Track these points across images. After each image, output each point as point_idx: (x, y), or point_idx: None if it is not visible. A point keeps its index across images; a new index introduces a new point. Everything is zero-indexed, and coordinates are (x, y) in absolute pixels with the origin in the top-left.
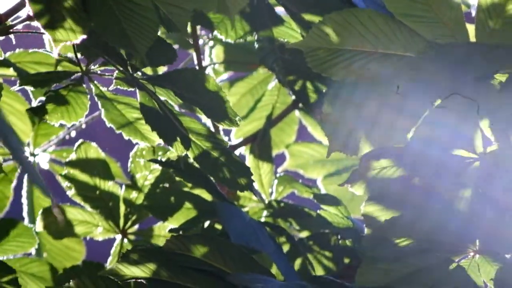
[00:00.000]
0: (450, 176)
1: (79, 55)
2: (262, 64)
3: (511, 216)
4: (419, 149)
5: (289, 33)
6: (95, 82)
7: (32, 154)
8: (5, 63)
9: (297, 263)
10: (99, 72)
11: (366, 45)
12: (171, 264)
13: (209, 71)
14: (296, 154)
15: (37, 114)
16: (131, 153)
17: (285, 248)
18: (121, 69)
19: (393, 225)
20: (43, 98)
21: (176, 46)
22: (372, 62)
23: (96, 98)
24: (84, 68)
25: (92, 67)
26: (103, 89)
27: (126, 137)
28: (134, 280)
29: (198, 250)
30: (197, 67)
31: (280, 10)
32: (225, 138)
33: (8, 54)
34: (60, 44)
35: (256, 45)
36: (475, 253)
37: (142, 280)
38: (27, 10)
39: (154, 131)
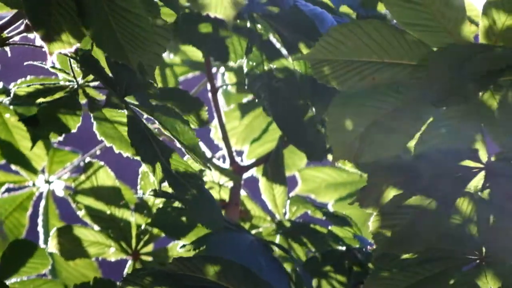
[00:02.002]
0: (456, 185)
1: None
2: (249, 90)
3: None
4: (424, 160)
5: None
6: (89, 95)
7: (47, 182)
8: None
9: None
10: (93, 85)
11: (372, 56)
12: (176, 285)
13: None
14: (308, 179)
15: (29, 125)
16: (140, 170)
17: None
18: (111, 90)
19: (399, 237)
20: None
21: (190, 75)
22: (377, 72)
23: (89, 111)
24: (79, 81)
25: (87, 80)
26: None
27: (117, 151)
28: None
29: (202, 270)
30: (209, 91)
31: None
32: (238, 159)
33: (19, 81)
34: (55, 53)
35: (245, 70)
36: (481, 261)
37: None
38: (24, 22)
39: (138, 156)
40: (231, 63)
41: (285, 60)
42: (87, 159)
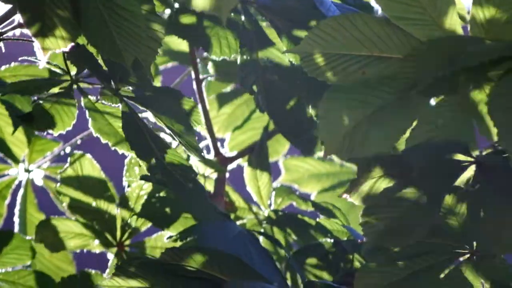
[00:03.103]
0: (446, 178)
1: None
2: (242, 85)
3: (508, 217)
4: (414, 154)
5: (274, 53)
6: (84, 91)
7: (27, 170)
8: None
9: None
10: (88, 81)
11: (362, 49)
12: (168, 274)
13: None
14: (291, 169)
15: (24, 122)
16: (126, 161)
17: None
18: (105, 83)
19: (389, 230)
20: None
21: (175, 63)
22: (367, 66)
23: (84, 108)
24: (73, 77)
25: (81, 76)
26: (92, 98)
27: (112, 148)
28: None
29: (194, 260)
30: (194, 81)
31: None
32: (222, 150)
33: (3, 68)
34: (49, 51)
35: (238, 62)
36: (472, 255)
37: None
38: (18, 18)
39: (132, 150)
40: (214, 57)
41: (278, 51)
42: (68, 149)
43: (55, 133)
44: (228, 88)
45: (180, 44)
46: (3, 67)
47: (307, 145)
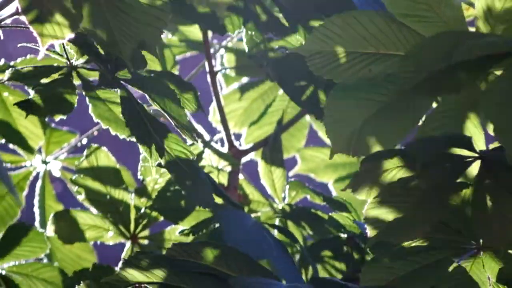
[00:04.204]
0: (452, 174)
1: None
2: (250, 58)
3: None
4: (419, 149)
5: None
6: (83, 77)
7: (44, 162)
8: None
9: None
10: (87, 67)
11: (367, 47)
12: (176, 269)
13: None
14: (307, 159)
15: (24, 109)
16: (141, 156)
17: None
18: (103, 68)
19: (394, 225)
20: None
21: (188, 54)
22: (373, 63)
23: (84, 93)
24: (72, 63)
25: (81, 61)
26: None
27: (113, 133)
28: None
29: (202, 255)
30: (208, 73)
31: None
32: (236, 143)
33: (19, 60)
34: (48, 41)
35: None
36: (478, 250)
37: (146, 285)
38: (16, 5)
39: (132, 136)
40: (229, 43)
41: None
42: (85, 140)
43: (56, 118)
44: (244, 80)
45: (198, 33)
46: (19, 59)
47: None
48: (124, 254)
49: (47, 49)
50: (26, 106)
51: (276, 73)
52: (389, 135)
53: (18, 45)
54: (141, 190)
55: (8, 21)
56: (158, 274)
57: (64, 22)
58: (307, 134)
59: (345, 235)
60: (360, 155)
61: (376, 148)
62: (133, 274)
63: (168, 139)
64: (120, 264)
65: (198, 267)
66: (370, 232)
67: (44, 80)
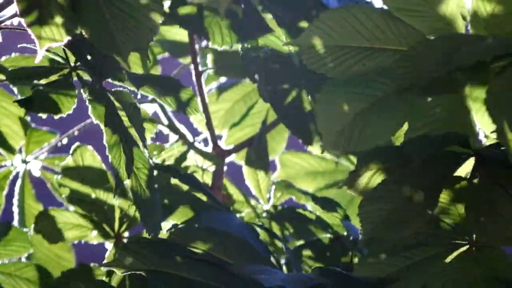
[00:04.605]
0: (445, 171)
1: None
2: (245, 73)
3: (507, 209)
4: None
5: (276, 42)
6: (83, 79)
7: (24, 161)
8: None
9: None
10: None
11: (363, 42)
12: (172, 255)
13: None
14: (287, 164)
15: (24, 107)
16: None
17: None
18: (94, 78)
19: (387, 221)
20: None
21: (166, 55)
22: (368, 58)
23: (84, 96)
24: (72, 65)
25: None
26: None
27: None
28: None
29: (199, 242)
30: (193, 73)
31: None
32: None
33: (3, 58)
34: (46, 44)
35: (240, 52)
36: (471, 246)
37: (142, 273)
38: (15, 7)
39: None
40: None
41: (278, 40)
42: (65, 140)
43: (56, 116)
44: (224, 80)
45: (176, 35)
46: (3, 58)
47: (307, 136)
48: (109, 254)
49: (47, 51)
50: (27, 104)
51: (267, 94)
52: (381, 130)
53: (19, 46)
54: (125, 189)
55: (7, 22)
56: (154, 261)
57: (62, 25)
58: (288, 137)
59: (333, 236)
60: (352, 149)
61: (367, 143)
62: (129, 261)
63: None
64: (104, 261)
65: (195, 254)
66: (363, 228)
67: (43, 81)
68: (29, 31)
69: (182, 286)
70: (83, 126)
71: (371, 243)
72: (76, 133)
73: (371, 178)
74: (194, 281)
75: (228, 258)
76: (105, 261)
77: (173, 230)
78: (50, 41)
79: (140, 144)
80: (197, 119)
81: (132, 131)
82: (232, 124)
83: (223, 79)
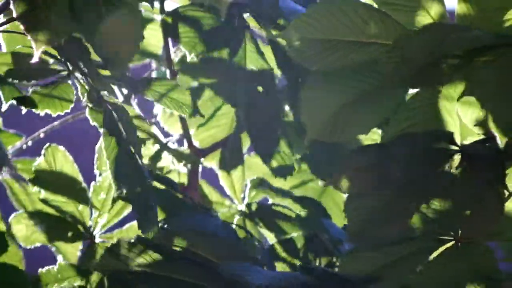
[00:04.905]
0: (431, 167)
1: None
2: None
3: (492, 204)
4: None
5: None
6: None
7: None
8: None
9: None
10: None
11: (349, 35)
12: (158, 256)
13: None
14: (252, 167)
15: (24, 104)
16: (96, 147)
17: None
18: (91, 88)
19: (374, 217)
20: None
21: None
22: (354, 52)
23: (81, 97)
24: (70, 67)
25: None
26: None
27: None
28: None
29: (184, 242)
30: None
31: None
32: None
33: None
34: (42, 46)
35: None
36: (457, 242)
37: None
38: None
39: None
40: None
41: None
42: (29, 142)
43: (54, 113)
44: (195, 84)
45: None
46: None
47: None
48: (85, 255)
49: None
50: (27, 102)
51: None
52: (365, 122)
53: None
54: (98, 188)
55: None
56: (140, 262)
57: (59, 28)
58: None
59: (310, 234)
60: (336, 140)
61: (352, 133)
62: (114, 263)
63: None
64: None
65: (181, 253)
66: (349, 224)
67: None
68: (26, 34)
69: (168, 287)
70: (50, 128)
71: (356, 239)
72: (42, 135)
73: (357, 174)
74: (180, 281)
75: (215, 257)
76: (78, 263)
77: (159, 231)
78: (47, 44)
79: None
80: (164, 118)
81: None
82: (199, 124)
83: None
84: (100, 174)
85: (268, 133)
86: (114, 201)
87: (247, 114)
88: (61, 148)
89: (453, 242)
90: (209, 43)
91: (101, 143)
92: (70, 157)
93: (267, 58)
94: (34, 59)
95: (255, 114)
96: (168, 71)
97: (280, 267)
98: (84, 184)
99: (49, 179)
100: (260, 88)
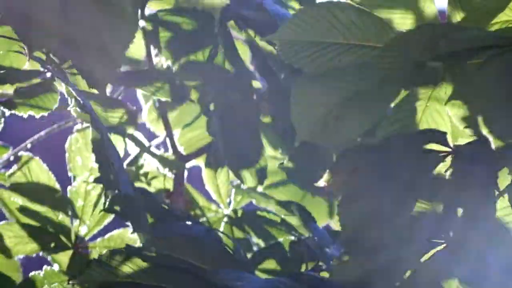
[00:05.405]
0: (423, 169)
1: None
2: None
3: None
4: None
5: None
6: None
7: None
8: None
9: None
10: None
11: (339, 37)
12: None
13: None
14: None
15: (6, 107)
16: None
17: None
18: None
19: (366, 220)
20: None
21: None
22: (344, 54)
23: (69, 100)
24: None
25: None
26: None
27: None
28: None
29: (173, 249)
30: None
31: None
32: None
33: None
34: (35, 49)
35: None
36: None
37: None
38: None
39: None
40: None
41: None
42: (19, 154)
43: (37, 115)
44: None
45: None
46: None
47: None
48: (68, 265)
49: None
50: (9, 105)
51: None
52: (355, 123)
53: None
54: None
55: None
56: (127, 272)
57: (51, 31)
58: None
59: (296, 238)
60: (325, 141)
61: (342, 135)
62: (101, 273)
63: None
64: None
65: (170, 261)
66: (343, 226)
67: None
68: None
69: None
70: (36, 139)
71: (349, 242)
72: (28, 146)
73: (350, 176)
74: None
75: (204, 264)
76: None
77: (146, 239)
78: (39, 48)
79: None
80: (150, 118)
81: None
82: (185, 124)
83: None
84: (74, 179)
85: (241, 148)
86: (94, 208)
87: (222, 122)
88: (36, 158)
89: (444, 245)
90: (189, 47)
91: (69, 142)
92: (46, 167)
93: (245, 61)
94: (27, 62)
95: (230, 123)
96: None
97: (267, 272)
98: (62, 193)
99: (24, 190)
100: (237, 94)
